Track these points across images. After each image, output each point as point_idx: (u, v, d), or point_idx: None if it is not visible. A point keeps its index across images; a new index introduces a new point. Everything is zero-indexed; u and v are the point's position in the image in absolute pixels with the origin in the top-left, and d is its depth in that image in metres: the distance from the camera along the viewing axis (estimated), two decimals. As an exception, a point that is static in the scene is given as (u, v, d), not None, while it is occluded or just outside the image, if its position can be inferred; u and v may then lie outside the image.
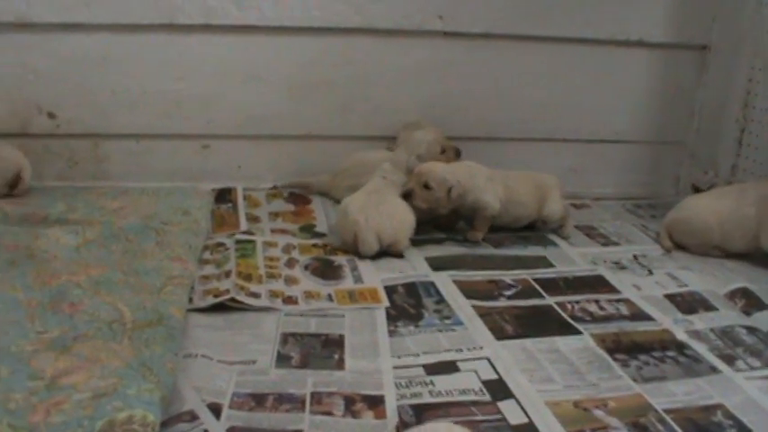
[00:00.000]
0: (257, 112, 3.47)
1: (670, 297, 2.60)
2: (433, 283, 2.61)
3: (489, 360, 2.10)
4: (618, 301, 2.56)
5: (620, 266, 2.88)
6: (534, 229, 3.19)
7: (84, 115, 3.37)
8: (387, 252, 2.84)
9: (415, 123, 3.46)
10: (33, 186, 3.26)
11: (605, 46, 3.62)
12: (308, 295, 2.46)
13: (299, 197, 3.44)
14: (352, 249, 2.82)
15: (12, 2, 3.14)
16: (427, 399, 1.90)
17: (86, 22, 3.22)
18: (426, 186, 2.88)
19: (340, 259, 2.78)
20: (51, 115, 3.35)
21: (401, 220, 2.84)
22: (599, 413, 1.87)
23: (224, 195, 3.37)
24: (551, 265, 2.85)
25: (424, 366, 2.06)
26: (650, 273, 2.82)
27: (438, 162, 3.02)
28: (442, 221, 3.12)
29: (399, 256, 2.84)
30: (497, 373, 2.03)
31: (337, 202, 3.11)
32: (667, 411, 1.88)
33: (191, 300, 2.33)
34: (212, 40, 3.35)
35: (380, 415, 1.81)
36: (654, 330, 2.35)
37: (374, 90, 3.54)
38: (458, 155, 3.23)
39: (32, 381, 1.72)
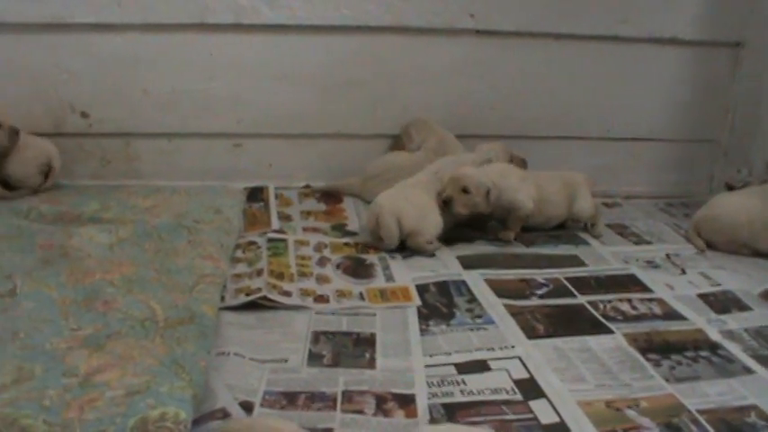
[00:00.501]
0: (288, 110, 3.48)
1: (703, 296, 2.58)
2: (464, 282, 2.60)
3: (521, 359, 2.09)
4: (650, 300, 2.54)
5: (652, 265, 2.86)
6: (565, 228, 3.18)
7: (117, 114, 3.40)
8: (412, 249, 2.85)
9: (422, 121, 3.46)
10: (67, 185, 3.30)
11: (638, 44, 3.60)
12: (340, 294, 2.47)
13: (330, 196, 3.44)
14: (377, 239, 2.85)
15: (45, 3, 3.16)
16: (459, 398, 1.90)
17: (118, 22, 3.24)
18: (465, 191, 2.88)
19: (371, 258, 2.78)
20: (84, 114, 3.37)
21: (425, 211, 2.86)
22: (631, 413, 1.86)
23: (256, 194, 3.37)
24: (583, 264, 2.84)
25: (456, 365, 2.06)
26: (683, 272, 2.80)
27: (468, 166, 3.00)
28: (474, 221, 3.10)
29: (427, 254, 2.84)
30: (529, 372, 2.03)
31: (369, 203, 3.10)
32: (700, 412, 1.87)
33: (223, 298, 2.34)
34: (243, 39, 3.36)
35: (411, 414, 1.81)
36: (687, 330, 2.33)
37: (405, 89, 3.54)
38: (525, 165, 3.27)
39: (66, 378, 1.74)
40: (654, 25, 3.56)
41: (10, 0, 3.16)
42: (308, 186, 3.52)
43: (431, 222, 2.86)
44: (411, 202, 2.85)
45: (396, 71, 3.50)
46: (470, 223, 3.09)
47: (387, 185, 3.06)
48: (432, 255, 2.85)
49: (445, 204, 2.89)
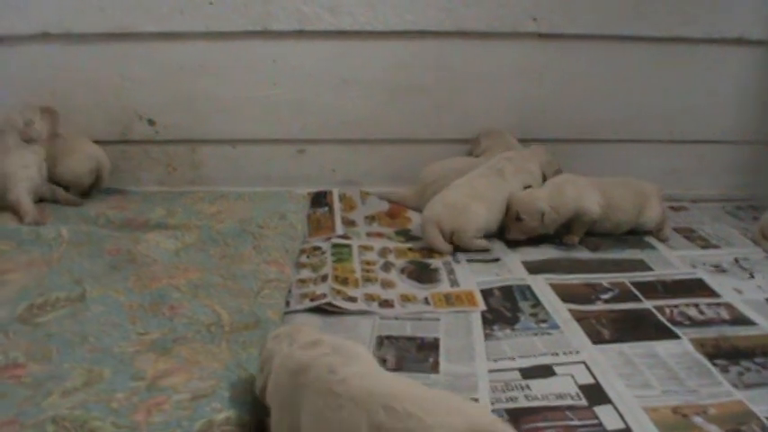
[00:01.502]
0: (351, 116, 3.49)
1: (772, 301, 2.53)
2: (529, 287, 2.58)
3: (586, 364, 2.07)
4: (718, 305, 2.49)
5: (720, 270, 2.81)
6: (632, 233, 3.13)
7: (182, 121, 3.44)
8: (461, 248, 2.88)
9: (496, 131, 3.44)
10: (133, 192, 3.37)
11: (703, 44, 3.53)
12: (405, 299, 2.47)
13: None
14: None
15: (111, 13, 3.22)
16: (523, 403, 1.88)
17: (182, 30, 3.28)
18: (518, 218, 2.89)
19: (436, 262, 2.77)
20: (150, 122, 3.42)
21: (463, 207, 2.87)
22: (698, 420, 1.83)
23: (320, 199, 3.38)
24: (649, 269, 2.79)
25: (520, 370, 2.04)
26: (752, 276, 2.75)
27: (529, 189, 3.01)
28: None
29: (474, 250, 2.87)
30: (594, 377, 2.01)
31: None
32: (770, 419, 1.83)
33: (287, 303, 2.36)
34: (306, 46, 3.37)
35: (475, 419, 1.80)
36: (756, 335, 2.28)
37: (467, 93, 3.52)
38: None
39: (134, 381, 1.77)
40: (719, 25, 3.49)
41: (76, 11, 3.22)
42: (367, 194, 3.51)
43: (471, 217, 2.87)
44: (446, 204, 2.88)
45: (458, 76, 3.49)
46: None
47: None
48: (485, 250, 2.88)
49: (507, 231, 2.95)
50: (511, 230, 2.93)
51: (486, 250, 2.88)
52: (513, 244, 2.95)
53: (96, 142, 3.28)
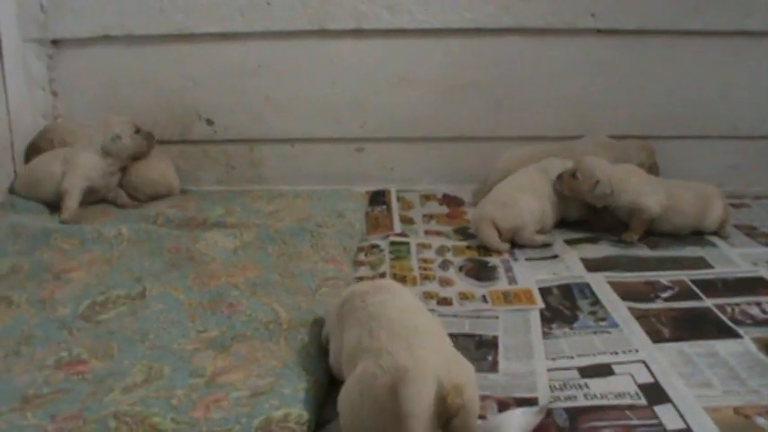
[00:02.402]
0: (409, 114, 3.49)
1: (839, 300, 2.47)
2: (587, 285, 2.55)
3: (645, 363, 2.03)
4: (781, 303, 2.44)
5: (783, 268, 2.76)
6: (692, 231, 3.08)
7: (241, 121, 3.48)
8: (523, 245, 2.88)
9: (638, 141, 3.40)
10: (193, 191, 3.41)
11: (765, 37, 3.47)
12: (463, 296, 2.45)
13: (452, 199, 3.43)
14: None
15: (171, 15, 3.26)
16: (582, 402, 1.85)
17: (241, 31, 3.32)
18: (573, 175, 2.88)
19: (494, 260, 2.75)
20: (209, 122, 3.46)
21: (516, 203, 2.86)
22: (761, 421, 1.78)
23: (378, 197, 3.39)
24: (710, 267, 2.74)
25: (579, 369, 2.02)
26: (817, 274, 2.69)
27: (601, 158, 3.00)
28: (588, 216, 3.08)
29: (537, 245, 2.87)
30: (653, 376, 1.97)
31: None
32: (838, 421, 1.79)
33: (345, 301, 2.35)
34: (363, 44, 3.39)
35: (533, 418, 1.79)
36: (821, 336, 2.23)
37: (526, 90, 3.50)
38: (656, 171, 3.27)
39: (193, 378, 1.78)
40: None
41: (136, 14, 3.29)
42: (427, 198, 3.49)
43: (525, 211, 2.87)
44: (497, 201, 2.88)
45: (516, 73, 3.47)
46: (583, 219, 3.07)
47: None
48: (547, 245, 2.89)
49: (558, 178, 2.94)
50: (561, 182, 2.92)
51: (548, 245, 2.89)
52: (571, 242, 2.93)
53: (157, 143, 3.32)
